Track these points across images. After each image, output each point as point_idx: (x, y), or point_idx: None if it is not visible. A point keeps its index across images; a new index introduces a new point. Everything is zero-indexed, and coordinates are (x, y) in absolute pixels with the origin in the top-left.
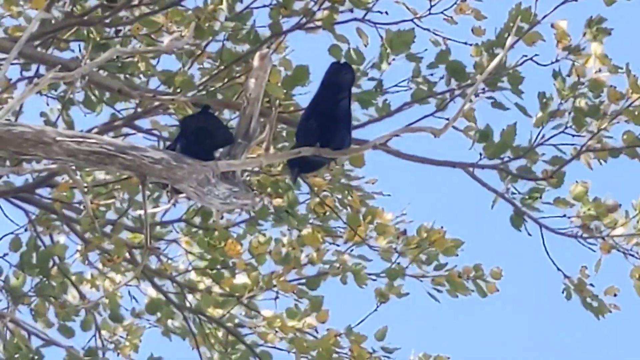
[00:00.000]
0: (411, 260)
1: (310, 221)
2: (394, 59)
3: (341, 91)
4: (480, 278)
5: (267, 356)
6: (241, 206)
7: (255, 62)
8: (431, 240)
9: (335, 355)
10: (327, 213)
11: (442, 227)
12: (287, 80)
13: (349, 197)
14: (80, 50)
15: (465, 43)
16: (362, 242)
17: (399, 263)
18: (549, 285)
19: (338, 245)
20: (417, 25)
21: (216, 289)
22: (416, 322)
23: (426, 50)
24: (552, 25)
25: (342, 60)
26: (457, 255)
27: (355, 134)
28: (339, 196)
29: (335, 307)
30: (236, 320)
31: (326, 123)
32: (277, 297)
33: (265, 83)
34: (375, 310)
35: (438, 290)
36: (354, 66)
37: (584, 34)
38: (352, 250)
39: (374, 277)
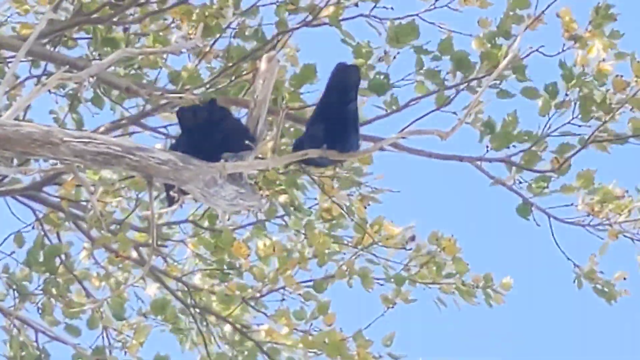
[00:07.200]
0: (420, 266)
1: (319, 226)
2: (398, 52)
3: (348, 93)
4: (490, 287)
5: (275, 352)
6: (248, 207)
7: (263, 64)
8: (442, 247)
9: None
10: (334, 221)
11: (452, 236)
12: (295, 79)
13: (355, 206)
14: (88, 47)
15: (471, 35)
16: (370, 246)
17: (408, 268)
18: (558, 275)
19: (345, 254)
20: (423, 19)
21: (222, 289)
22: (423, 328)
23: (430, 42)
24: (557, 15)
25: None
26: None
27: (364, 130)
28: (347, 203)
29: (342, 311)
30: (244, 318)
31: (334, 126)
32: (283, 299)
33: (272, 85)
34: (382, 315)
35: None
36: (362, 60)
37: (590, 22)
38: (359, 256)
39: (381, 283)
